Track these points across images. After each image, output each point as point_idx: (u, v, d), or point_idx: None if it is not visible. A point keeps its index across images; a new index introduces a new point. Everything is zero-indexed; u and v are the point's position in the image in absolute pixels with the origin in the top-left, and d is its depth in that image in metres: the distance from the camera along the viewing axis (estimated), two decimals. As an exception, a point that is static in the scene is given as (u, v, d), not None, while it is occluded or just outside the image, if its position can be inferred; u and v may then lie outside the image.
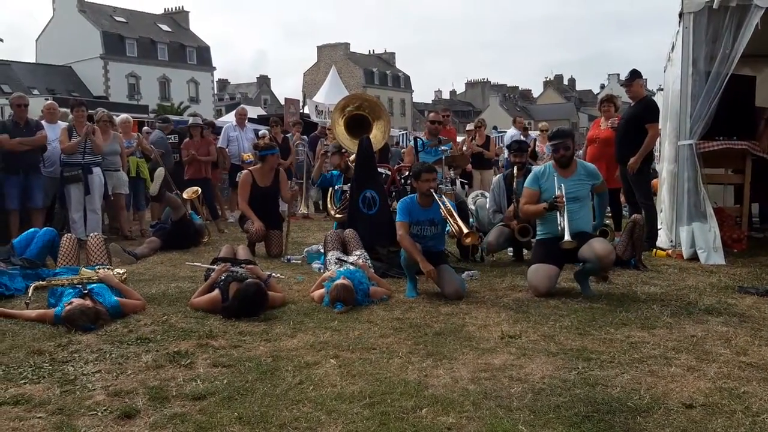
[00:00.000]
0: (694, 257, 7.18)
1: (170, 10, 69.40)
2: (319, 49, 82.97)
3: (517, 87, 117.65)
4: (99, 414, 3.14)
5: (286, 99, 17.79)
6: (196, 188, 10.03)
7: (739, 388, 3.38)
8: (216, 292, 5.17)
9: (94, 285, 5.13)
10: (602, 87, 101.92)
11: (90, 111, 9.97)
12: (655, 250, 7.64)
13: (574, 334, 4.39)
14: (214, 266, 5.64)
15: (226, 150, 12.12)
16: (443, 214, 5.75)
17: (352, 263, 5.96)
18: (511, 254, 7.70)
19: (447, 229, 6.02)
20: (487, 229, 7.53)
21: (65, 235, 6.46)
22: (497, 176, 8.24)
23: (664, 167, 8.43)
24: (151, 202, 11.46)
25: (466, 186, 12.21)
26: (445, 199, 5.91)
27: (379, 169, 7.73)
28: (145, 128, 14.07)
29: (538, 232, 6.05)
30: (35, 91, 44.37)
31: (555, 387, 3.42)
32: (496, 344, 4.20)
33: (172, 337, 4.43)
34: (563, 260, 5.73)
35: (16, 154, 8.49)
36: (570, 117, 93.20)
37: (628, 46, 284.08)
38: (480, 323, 4.72)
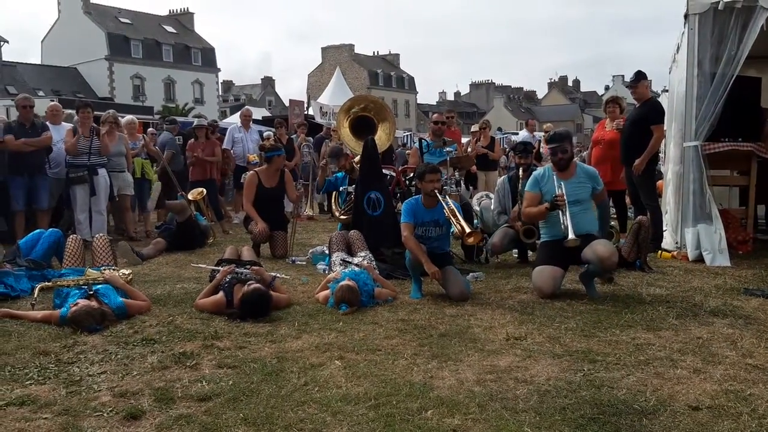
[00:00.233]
0: (700, 259, 7.16)
1: (175, 11, 69.47)
2: (324, 50, 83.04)
3: (522, 88, 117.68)
4: (105, 415, 3.15)
5: (290, 100, 17.84)
6: (201, 189, 10.05)
7: (746, 390, 3.37)
8: (221, 294, 5.17)
9: (100, 286, 5.14)
10: (607, 88, 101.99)
11: (98, 112, 10.01)
12: (660, 251, 7.62)
13: (580, 336, 4.38)
14: (219, 268, 5.65)
15: (231, 151, 12.14)
16: (446, 215, 5.75)
17: (356, 264, 5.96)
18: (516, 256, 7.70)
19: (452, 230, 6.02)
20: (492, 230, 7.52)
21: (71, 236, 6.49)
22: (502, 178, 8.23)
23: (669, 168, 8.41)
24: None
25: (471, 187, 12.21)
26: (449, 200, 5.91)
27: (383, 171, 7.72)
28: (150, 129, 14.10)
29: (542, 235, 6.04)
30: (40, 93, 44.45)
31: (560, 389, 3.41)
32: (502, 346, 4.20)
33: (178, 338, 4.43)
34: (568, 262, 5.73)
35: (22, 155, 8.52)
36: (574, 118, 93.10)
37: (633, 47, 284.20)
38: (485, 325, 4.71)
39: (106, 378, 3.66)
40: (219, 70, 68.80)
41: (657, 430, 2.95)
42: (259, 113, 24.20)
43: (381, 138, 8.00)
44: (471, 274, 6.54)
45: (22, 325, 4.76)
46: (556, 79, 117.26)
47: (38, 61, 61.29)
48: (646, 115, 7.81)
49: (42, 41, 63.58)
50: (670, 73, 9.11)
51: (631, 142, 7.86)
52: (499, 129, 27.00)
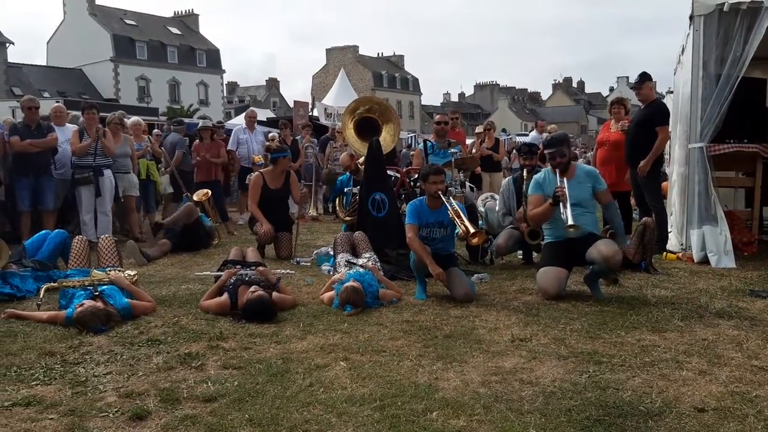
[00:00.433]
0: (705, 260, 7.14)
1: (180, 13, 69.58)
2: (328, 51, 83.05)
3: (526, 89, 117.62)
4: (110, 415, 3.16)
5: (295, 102, 17.85)
6: (206, 190, 10.07)
7: (751, 392, 3.37)
8: (225, 296, 5.18)
9: (105, 287, 5.15)
10: (611, 90, 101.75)
11: (103, 114, 10.04)
12: (665, 253, 7.61)
13: (585, 338, 4.38)
14: (221, 273, 5.63)
15: (236, 152, 12.16)
16: (450, 216, 5.75)
17: (361, 265, 5.97)
18: (521, 257, 7.69)
19: (456, 231, 6.02)
20: (497, 231, 7.52)
21: (76, 237, 6.50)
22: (506, 179, 8.23)
23: (674, 170, 8.40)
24: (161, 204, 11.57)
25: (475, 189, 12.21)
26: (453, 201, 5.91)
27: (388, 172, 7.73)
28: (156, 131, 14.14)
29: (546, 236, 6.05)
30: (46, 94, 44.51)
31: (566, 390, 3.41)
32: (507, 347, 4.20)
33: (183, 338, 4.44)
34: (572, 263, 5.73)
35: (27, 156, 8.55)
36: (579, 120, 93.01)
37: (637, 48, 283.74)
38: (490, 326, 4.71)
39: (111, 378, 3.67)
40: (224, 71, 68.95)
41: (662, 432, 2.95)
42: (263, 114, 24.23)
43: (385, 139, 8.00)
44: (476, 275, 6.54)
45: (28, 325, 4.78)
46: (561, 81, 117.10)
47: (44, 63, 61.53)
48: (651, 117, 7.79)
49: (47, 42, 63.76)
50: (675, 74, 9.10)
51: (635, 144, 7.85)
52: (504, 130, 26.99)
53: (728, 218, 7.40)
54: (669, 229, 8.09)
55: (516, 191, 7.47)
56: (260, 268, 5.61)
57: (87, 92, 53.16)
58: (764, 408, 3.16)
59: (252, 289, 5.06)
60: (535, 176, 6.13)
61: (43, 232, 6.90)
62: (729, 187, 8.86)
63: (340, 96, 21.59)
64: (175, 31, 65.77)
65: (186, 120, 16.08)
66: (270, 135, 13.24)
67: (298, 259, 7.81)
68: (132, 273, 6.18)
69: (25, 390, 3.49)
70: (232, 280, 5.31)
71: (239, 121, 17.79)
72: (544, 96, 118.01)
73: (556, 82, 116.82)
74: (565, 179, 5.64)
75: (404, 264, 6.39)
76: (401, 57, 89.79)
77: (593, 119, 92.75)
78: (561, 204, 5.52)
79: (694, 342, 4.26)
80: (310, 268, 7.32)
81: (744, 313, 4.99)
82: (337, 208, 8.71)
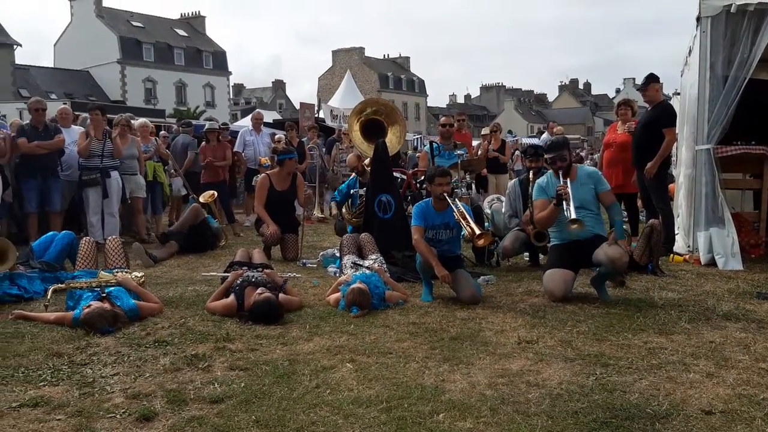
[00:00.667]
0: (712, 262, 7.12)
1: (187, 15, 69.82)
2: (334, 53, 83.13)
3: (532, 91, 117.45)
4: (117, 416, 3.17)
5: (301, 103, 17.79)
6: (212, 192, 10.08)
7: (759, 395, 3.35)
8: (231, 298, 5.18)
9: (113, 288, 5.17)
10: (618, 91, 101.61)
11: (110, 115, 10.07)
12: (672, 255, 7.59)
13: (592, 340, 4.37)
14: (228, 275, 5.64)
15: (242, 154, 12.18)
16: (456, 217, 5.75)
17: (367, 267, 5.97)
18: (527, 259, 7.68)
19: (462, 233, 6.01)
20: (503, 233, 7.51)
21: (83, 239, 6.53)
22: (513, 181, 8.22)
23: (681, 172, 8.38)
24: (168, 205, 11.59)
25: (481, 190, 12.21)
26: (459, 203, 5.91)
27: (394, 173, 7.73)
28: (162, 132, 14.17)
29: (552, 238, 6.04)
30: (53, 96, 44.79)
31: (573, 393, 3.40)
32: (513, 349, 4.19)
33: (190, 340, 4.45)
34: (578, 265, 5.73)
35: (35, 157, 8.57)
36: (585, 121, 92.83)
37: (644, 50, 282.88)
38: (497, 328, 4.71)
39: (118, 379, 3.68)
40: (230, 73, 69.12)
41: (670, 435, 2.94)
42: (269, 116, 24.27)
43: (391, 141, 8.01)
44: (482, 277, 6.54)
45: (36, 326, 4.80)
46: (567, 82, 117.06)
47: (51, 65, 61.80)
48: (658, 118, 7.78)
49: (55, 44, 64.08)
50: (681, 76, 9.08)
51: (642, 145, 7.83)
52: (510, 132, 26.93)
53: (735, 220, 7.37)
54: (676, 231, 8.07)
55: (522, 193, 7.46)
56: (267, 271, 5.62)
57: (94, 94, 53.37)
58: (772, 411, 3.15)
59: (259, 290, 5.07)
60: (538, 180, 6.14)
61: (51, 233, 6.92)
62: (736, 189, 8.81)
63: (346, 98, 21.61)
64: (181, 32, 65.98)
65: (193, 122, 16.12)
66: (276, 137, 13.26)
67: (304, 260, 7.81)
68: (139, 274, 6.20)
69: (33, 391, 3.50)
70: (238, 282, 5.31)
71: (245, 123, 17.81)
72: (551, 97, 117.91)
73: (563, 83, 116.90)
74: (568, 180, 5.65)
75: (410, 266, 6.39)
76: (407, 59, 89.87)
77: (600, 121, 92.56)
78: (564, 202, 5.52)
79: (702, 344, 4.25)
80: (317, 270, 7.33)
81: (751, 316, 4.97)
82: (344, 210, 8.71)
